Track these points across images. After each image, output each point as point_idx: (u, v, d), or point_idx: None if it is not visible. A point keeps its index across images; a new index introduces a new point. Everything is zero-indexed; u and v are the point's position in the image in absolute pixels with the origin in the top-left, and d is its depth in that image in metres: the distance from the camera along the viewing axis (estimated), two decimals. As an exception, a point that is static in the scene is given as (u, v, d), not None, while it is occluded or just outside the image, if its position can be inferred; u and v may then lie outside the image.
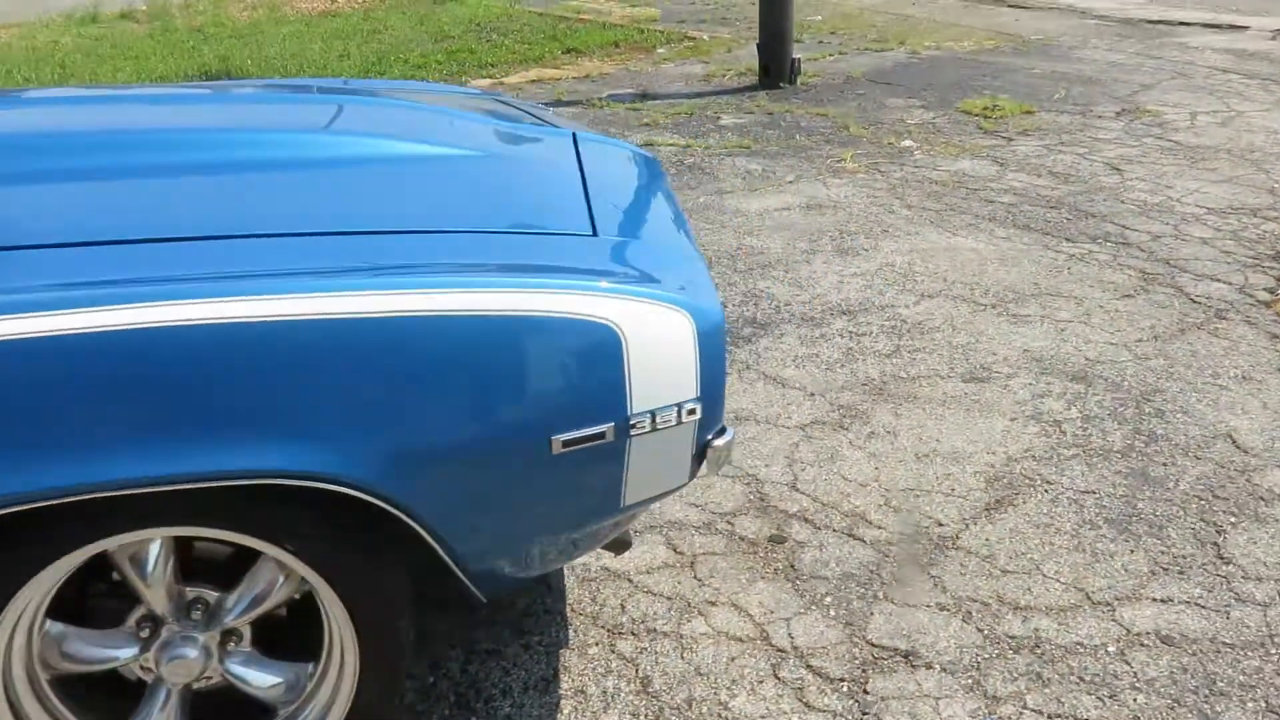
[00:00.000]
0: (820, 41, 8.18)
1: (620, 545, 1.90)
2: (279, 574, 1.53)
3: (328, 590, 1.51)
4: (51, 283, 1.31)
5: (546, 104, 6.44)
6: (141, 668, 1.55)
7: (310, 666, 1.62)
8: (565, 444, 1.46)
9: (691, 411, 1.53)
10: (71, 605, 1.53)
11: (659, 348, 1.49)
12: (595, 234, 1.66)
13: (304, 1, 10.58)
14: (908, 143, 5.38)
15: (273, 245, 1.47)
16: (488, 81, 7.14)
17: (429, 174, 1.80)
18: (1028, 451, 2.60)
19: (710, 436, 1.61)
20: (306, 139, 1.88)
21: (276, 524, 1.44)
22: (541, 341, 1.43)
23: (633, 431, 1.50)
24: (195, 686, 1.60)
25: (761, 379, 2.97)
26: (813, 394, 2.88)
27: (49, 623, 1.50)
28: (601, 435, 1.48)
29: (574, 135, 2.15)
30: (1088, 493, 2.44)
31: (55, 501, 1.27)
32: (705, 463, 1.62)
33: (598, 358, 1.45)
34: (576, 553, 1.74)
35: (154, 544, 1.47)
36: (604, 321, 1.45)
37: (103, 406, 1.27)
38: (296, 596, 1.59)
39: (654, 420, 1.50)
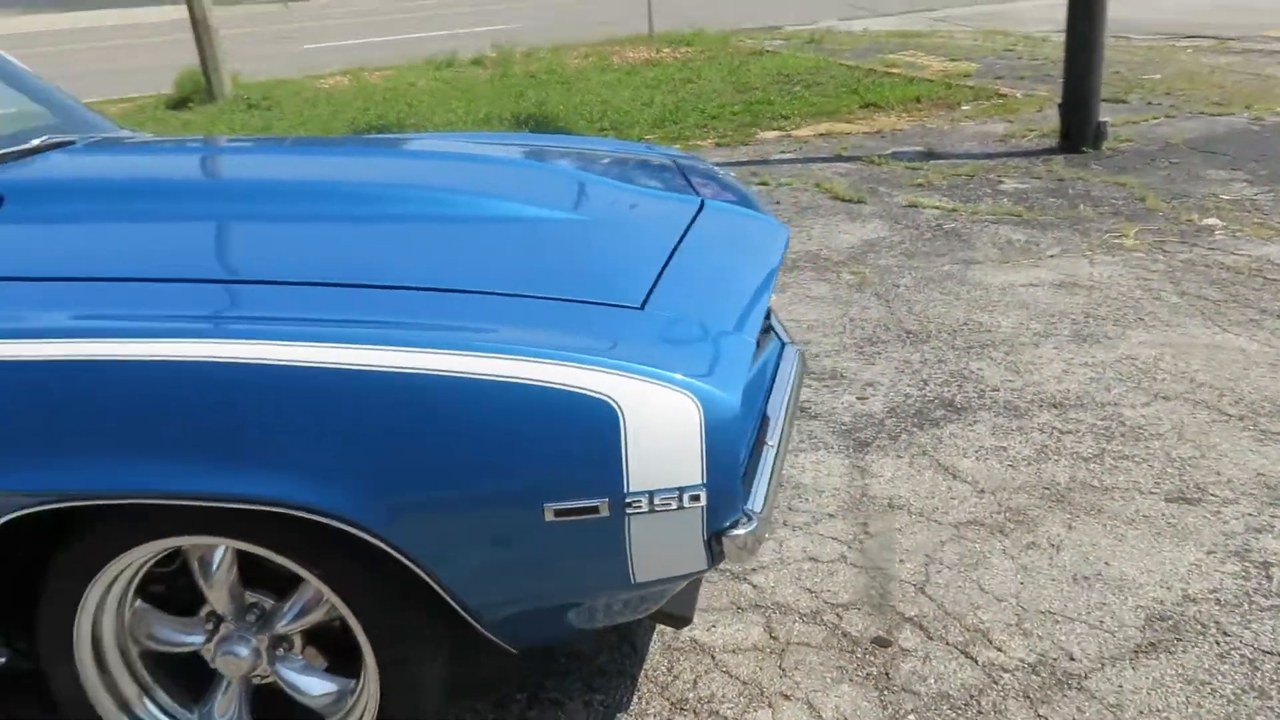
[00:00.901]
0: (1149, 102, 7.51)
1: (677, 620, 1.88)
2: (320, 594, 1.67)
3: (353, 619, 1.62)
4: (140, 313, 1.53)
5: (827, 158, 6.41)
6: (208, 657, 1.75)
7: (353, 683, 1.75)
8: (558, 513, 1.48)
9: (695, 498, 1.50)
10: (162, 593, 1.76)
11: (660, 429, 1.47)
12: (643, 308, 1.66)
13: (631, 51, 11.22)
14: (1211, 220, 4.82)
15: (295, 292, 1.61)
16: (776, 134, 7.22)
17: (506, 234, 1.89)
18: (1213, 593, 2.26)
19: (727, 525, 1.56)
20: (414, 194, 2.04)
21: (308, 550, 1.57)
22: (538, 411, 1.46)
23: (629, 510, 1.49)
24: (255, 682, 1.77)
25: (932, 468, 2.79)
26: (982, 491, 2.67)
27: (138, 601, 1.73)
28: (595, 509, 1.48)
29: (701, 203, 2.17)
30: (1271, 654, 2.07)
31: (133, 501, 1.48)
32: (725, 551, 1.57)
33: (594, 432, 1.46)
34: (607, 619, 1.74)
35: (220, 549, 1.65)
36: (602, 397, 1.46)
37: (172, 425, 1.46)
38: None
39: (652, 501, 1.49)
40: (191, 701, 1.80)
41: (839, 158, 6.43)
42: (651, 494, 1.49)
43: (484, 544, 1.52)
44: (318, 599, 1.67)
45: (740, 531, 1.57)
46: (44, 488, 1.49)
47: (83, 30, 20.90)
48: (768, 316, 2.28)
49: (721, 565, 1.61)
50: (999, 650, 2.11)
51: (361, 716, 1.74)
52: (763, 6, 15.58)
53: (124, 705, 1.74)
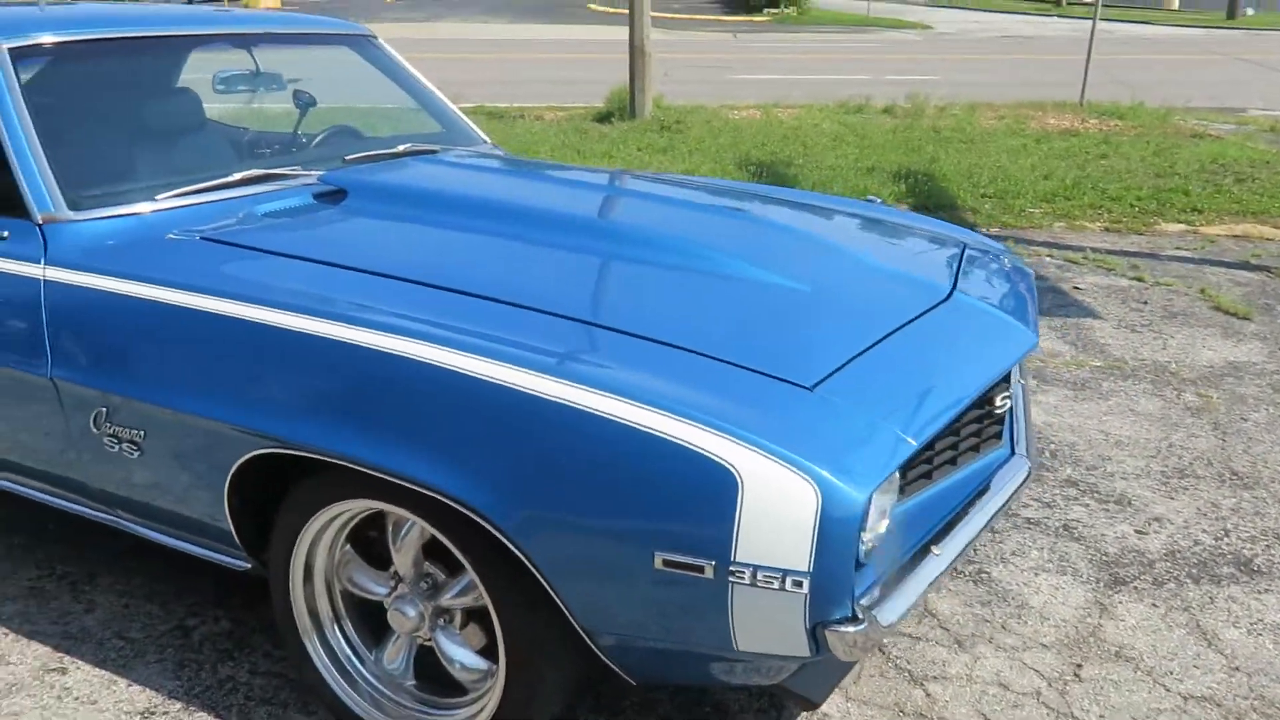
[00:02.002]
0: None
1: (802, 700, 1.88)
2: (475, 581, 1.86)
3: (493, 610, 1.81)
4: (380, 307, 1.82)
5: (1229, 264, 5.74)
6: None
7: (494, 668, 1.93)
8: (666, 562, 1.56)
9: (798, 584, 1.51)
10: (368, 548, 2.05)
11: (775, 508, 1.50)
12: (812, 388, 1.68)
13: (1053, 118, 10.65)
14: None
15: (530, 318, 1.82)
16: (1179, 228, 6.58)
17: (729, 292, 2.01)
18: None
19: (833, 619, 1.55)
20: (672, 243, 2.19)
21: (469, 540, 1.77)
22: (665, 464, 1.54)
23: (732, 578, 1.53)
24: (420, 642, 2.02)
25: (1188, 627, 2.48)
26: (1237, 669, 2.34)
27: (347, 547, 2.03)
28: (701, 569, 1.54)
29: (950, 294, 2.13)
30: None
31: (339, 462, 1.77)
32: (830, 645, 1.56)
33: (711, 496, 1.52)
34: (724, 678, 1.78)
35: (410, 522, 1.90)
36: (725, 464, 1.52)
37: (384, 408, 1.74)
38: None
39: (755, 576, 1.52)
40: (371, 642, 2.08)
41: (1244, 265, 5.74)
42: (755, 568, 1.52)
43: (599, 572, 1.63)
44: (473, 585, 1.87)
45: (847, 630, 1.56)
46: (279, 434, 1.82)
47: (545, 41, 23.47)
48: (1000, 422, 2.18)
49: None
50: None
51: (488, 703, 1.92)
52: (1237, 85, 14.11)
53: (318, 625, 2.05)
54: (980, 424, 2.11)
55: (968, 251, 2.58)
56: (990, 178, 7.71)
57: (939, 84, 14.58)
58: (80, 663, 2.32)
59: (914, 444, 1.66)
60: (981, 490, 2.06)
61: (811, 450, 1.54)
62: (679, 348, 1.76)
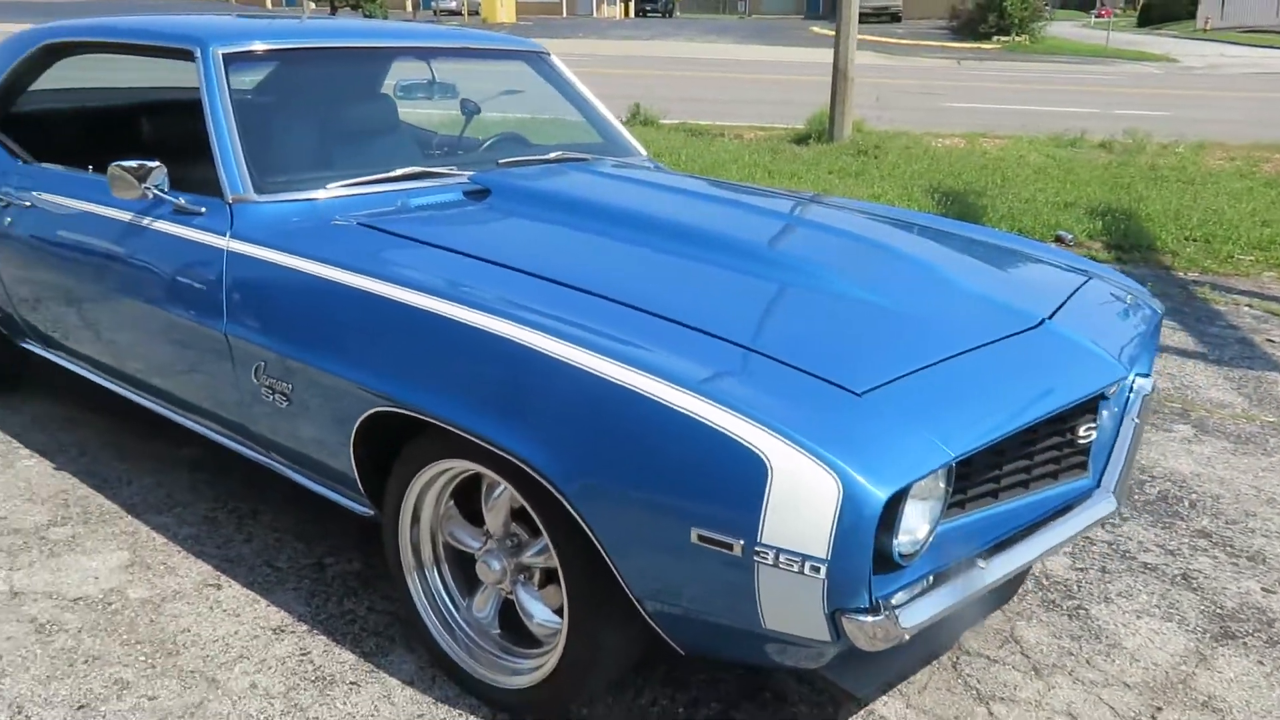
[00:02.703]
0: None
1: (849, 696, 1.96)
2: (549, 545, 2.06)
3: (560, 572, 1.99)
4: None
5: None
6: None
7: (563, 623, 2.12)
8: (701, 538, 1.70)
9: (815, 569, 1.62)
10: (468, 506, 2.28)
11: (800, 496, 1.62)
12: (861, 395, 1.78)
13: (1290, 159, 9.90)
14: None
15: (633, 316, 2.00)
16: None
17: (814, 304, 2.13)
18: None
19: (851, 607, 1.64)
20: (777, 257, 2.36)
21: (545, 506, 1.97)
22: (704, 446, 1.69)
23: (757, 558, 1.66)
24: (504, 595, 2.24)
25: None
26: (1339, 737, 2.23)
27: (450, 503, 2.28)
28: (730, 546, 1.68)
29: (1041, 322, 2.17)
30: None
31: (441, 424, 2.01)
32: (847, 632, 1.66)
33: (743, 480, 1.65)
34: (760, 657, 1.89)
35: (501, 485, 2.12)
36: (757, 452, 1.64)
37: (485, 381, 1.97)
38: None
39: (777, 558, 1.64)
40: (464, 591, 2.31)
41: None
42: (779, 550, 1.64)
43: (644, 542, 1.79)
44: (548, 548, 2.06)
45: (865, 620, 1.65)
46: (396, 396, 2.08)
47: (764, 62, 23.65)
48: (1084, 453, 2.18)
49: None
50: None
51: (553, 657, 2.10)
52: None
53: (420, 565, 2.31)
54: (1060, 451, 2.12)
55: (1087, 285, 2.57)
56: (1200, 220, 7.29)
57: (1172, 120, 13.80)
58: (233, 582, 2.68)
59: (950, 454, 1.72)
60: (1054, 518, 2.07)
61: (839, 447, 1.64)
62: (745, 348, 1.90)
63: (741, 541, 1.67)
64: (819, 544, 1.61)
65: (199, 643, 2.44)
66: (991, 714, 2.26)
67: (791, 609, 1.68)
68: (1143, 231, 6.96)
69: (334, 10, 39.94)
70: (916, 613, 1.72)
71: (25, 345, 3.49)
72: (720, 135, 11.14)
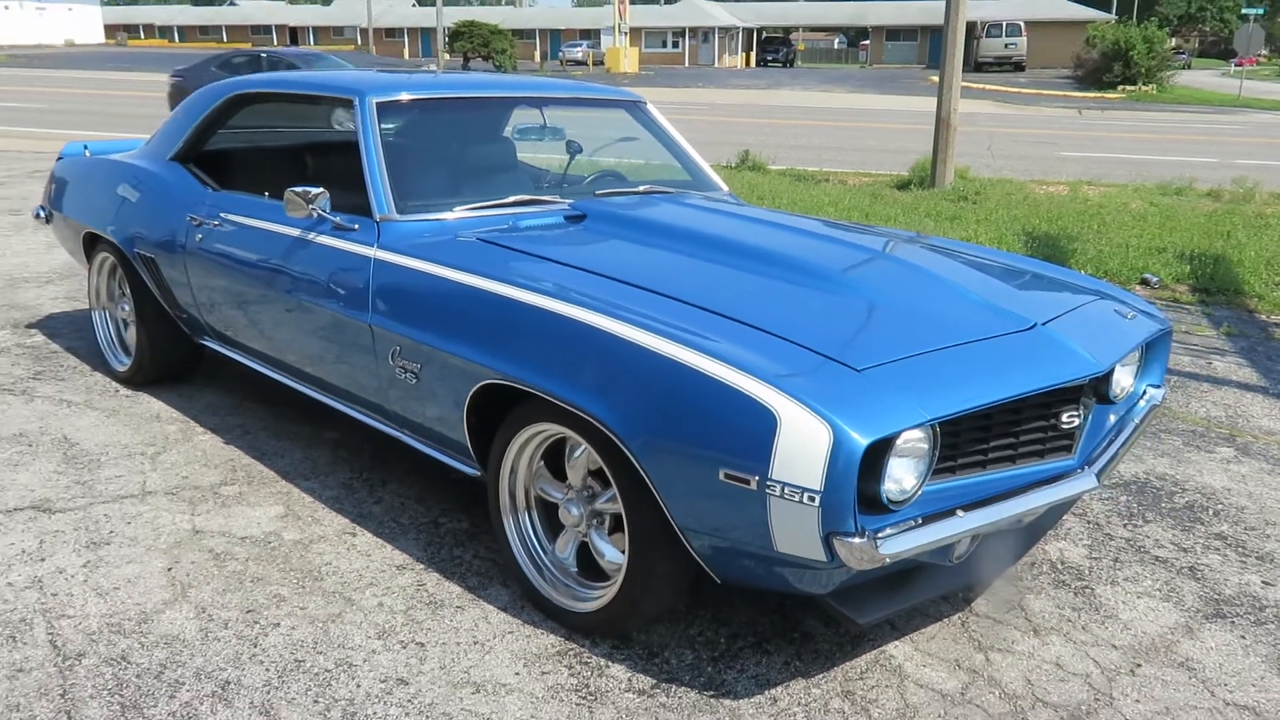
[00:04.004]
0: None
1: (846, 620, 2.40)
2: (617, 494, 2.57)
3: (625, 515, 2.50)
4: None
5: None
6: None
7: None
8: (726, 476, 2.19)
9: (812, 498, 2.08)
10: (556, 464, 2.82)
11: (800, 440, 2.09)
12: (860, 371, 2.25)
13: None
14: None
15: (691, 312, 2.51)
16: None
17: (837, 304, 2.62)
18: None
19: (840, 530, 2.10)
20: (812, 266, 2.85)
21: (615, 459, 2.48)
22: (730, 404, 2.18)
23: (768, 490, 2.13)
24: (580, 539, 2.75)
25: (1265, 659, 2.68)
26: (1300, 696, 2.54)
27: (540, 462, 2.81)
28: (747, 481, 2.16)
29: (1033, 326, 2.59)
30: None
31: (539, 393, 2.55)
32: (837, 552, 2.12)
33: (758, 429, 2.14)
34: (780, 582, 2.34)
35: (581, 445, 2.64)
36: (769, 407, 2.13)
37: (571, 357, 2.50)
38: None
39: (783, 490, 2.11)
40: (549, 535, 2.84)
41: None
42: (784, 484, 2.11)
43: (686, 484, 2.28)
44: (615, 496, 2.56)
45: (851, 540, 2.11)
46: (504, 371, 2.63)
47: (877, 111, 23.97)
48: (1069, 437, 2.59)
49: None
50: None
51: (616, 586, 2.60)
52: None
53: (515, 510, 2.84)
54: (1044, 433, 2.54)
55: (1094, 303, 2.97)
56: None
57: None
58: (365, 532, 3.27)
59: (926, 415, 2.17)
60: (1037, 487, 2.48)
61: (834, 405, 2.11)
62: (772, 334, 2.39)
63: (756, 477, 2.15)
64: (815, 479, 2.08)
65: (338, 573, 3.02)
66: (988, 660, 2.66)
67: (795, 533, 2.15)
68: (1230, 275, 7.12)
69: (467, 61, 41.98)
70: (896, 544, 2.16)
71: (203, 341, 4.21)
72: (824, 180, 11.59)
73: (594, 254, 3.04)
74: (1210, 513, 3.56)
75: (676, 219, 3.34)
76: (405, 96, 3.47)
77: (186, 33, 76.69)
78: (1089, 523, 3.46)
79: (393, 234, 3.13)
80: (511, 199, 3.38)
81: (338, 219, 3.24)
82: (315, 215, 3.21)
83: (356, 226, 3.20)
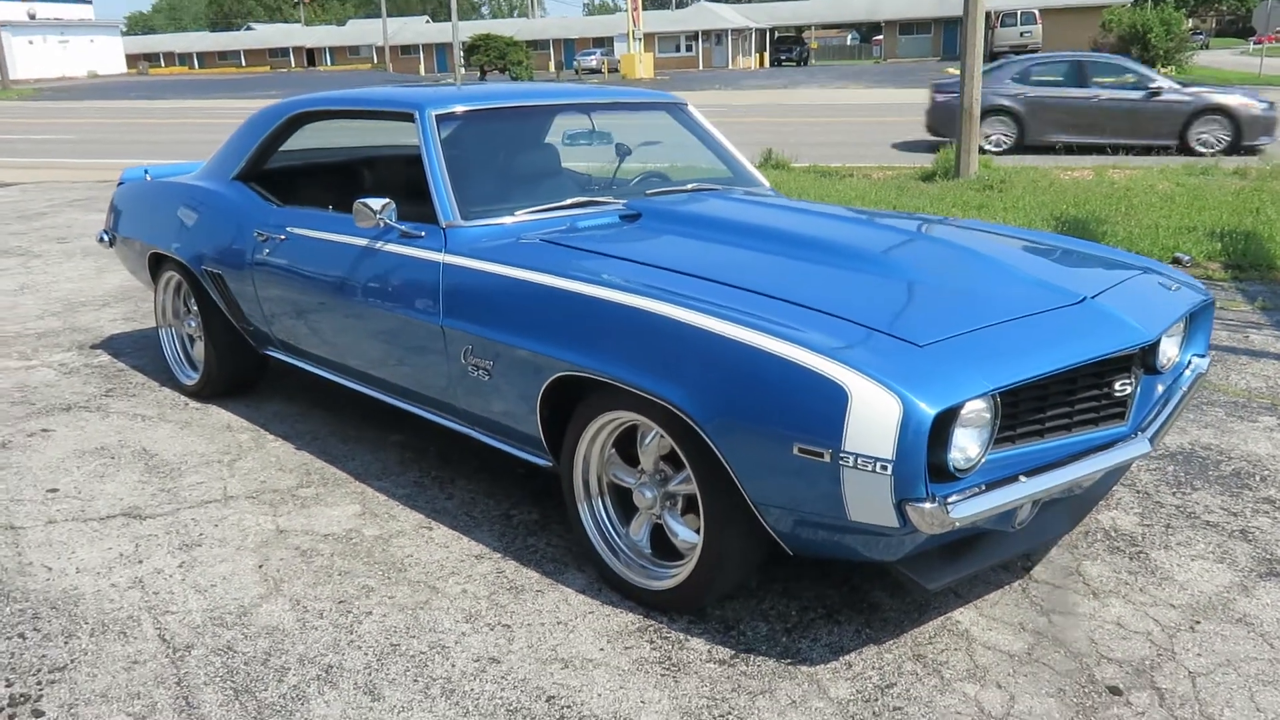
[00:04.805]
0: None
1: (916, 585, 2.52)
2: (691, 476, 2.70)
3: (700, 496, 2.63)
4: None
5: None
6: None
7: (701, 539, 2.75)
8: (800, 449, 2.32)
9: (884, 467, 2.21)
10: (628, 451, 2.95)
11: (871, 413, 2.21)
12: (922, 346, 2.37)
13: None
14: None
15: (747, 296, 2.65)
16: None
17: (894, 287, 2.74)
18: None
19: (910, 497, 2.22)
20: (855, 250, 2.98)
21: (688, 443, 2.61)
22: (802, 383, 2.31)
23: (842, 462, 2.26)
24: (653, 520, 2.88)
25: None
26: None
27: (612, 450, 2.95)
28: (821, 454, 2.28)
29: (1083, 300, 2.70)
30: None
31: (613, 382, 2.69)
32: (909, 517, 2.24)
33: (830, 404, 2.26)
34: (849, 550, 2.47)
35: (652, 431, 2.78)
36: (840, 383, 2.26)
37: (639, 345, 2.63)
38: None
39: (856, 461, 2.24)
40: (623, 519, 2.97)
41: None
42: (858, 455, 2.24)
43: (760, 460, 2.41)
44: (689, 478, 2.69)
45: (923, 506, 2.23)
46: (577, 363, 2.76)
47: (895, 105, 23.94)
48: (1122, 404, 2.70)
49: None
50: (1223, 745, 2.29)
51: (691, 563, 2.73)
52: None
53: (588, 497, 2.98)
54: (1098, 402, 2.65)
55: (1138, 276, 3.08)
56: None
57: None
58: (440, 526, 3.42)
59: (988, 385, 2.29)
60: (1093, 453, 2.59)
61: (902, 379, 2.23)
62: (836, 316, 2.52)
63: (830, 450, 2.27)
64: (887, 449, 2.20)
65: (420, 564, 3.17)
66: (1051, 623, 2.77)
67: (868, 502, 2.27)
68: (1263, 251, 7.16)
69: (483, 74, 42.32)
70: (965, 508, 2.28)
71: (268, 352, 4.38)
72: (849, 175, 11.69)
73: (654, 249, 3.18)
74: (1257, 478, 3.65)
75: (728, 213, 3.48)
76: (460, 108, 3.62)
77: (205, 59, 77.69)
78: (1138, 492, 3.55)
79: (459, 239, 3.28)
80: (569, 201, 3.53)
81: (404, 227, 3.39)
82: (383, 225, 3.36)
83: (423, 234, 3.35)
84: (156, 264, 4.80)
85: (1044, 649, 2.65)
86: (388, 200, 3.36)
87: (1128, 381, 2.67)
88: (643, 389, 2.60)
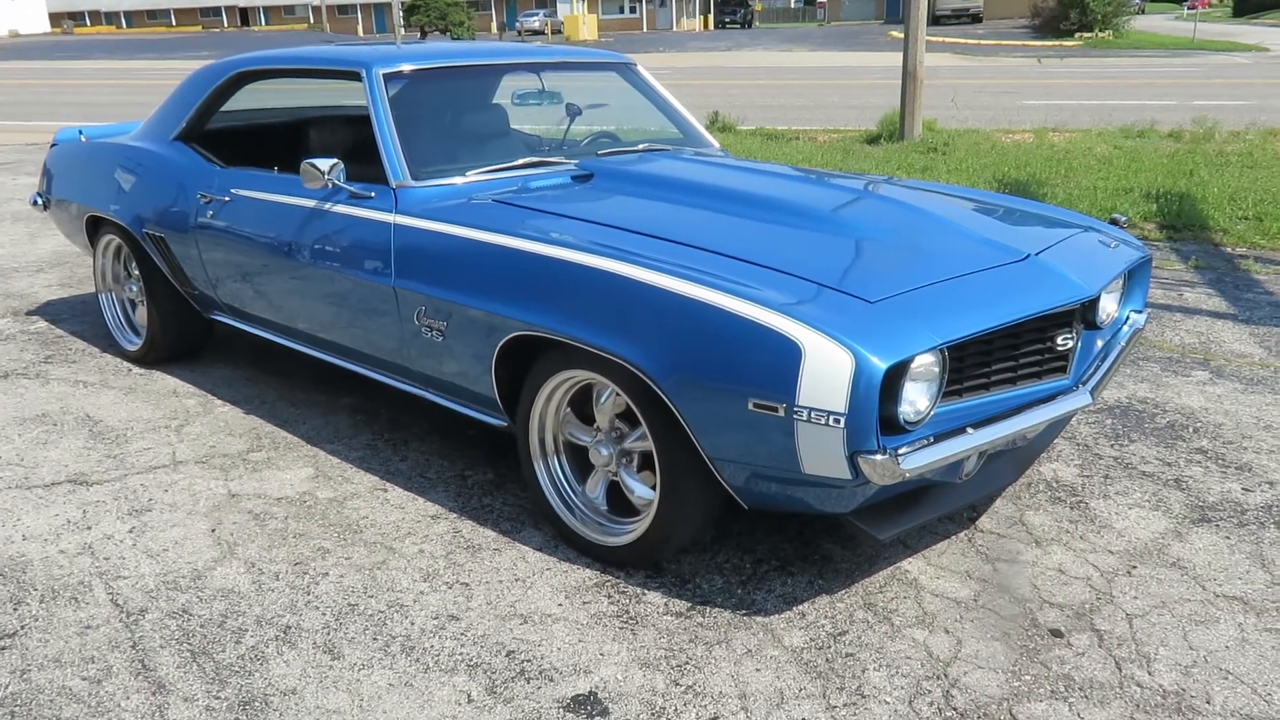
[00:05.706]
0: None
1: (868, 535, 2.58)
2: (646, 433, 2.73)
3: (656, 451, 2.66)
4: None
5: None
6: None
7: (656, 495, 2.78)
8: (755, 405, 2.35)
9: (837, 421, 2.25)
10: (584, 410, 2.97)
11: (824, 368, 2.25)
12: (873, 303, 2.42)
13: (1357, 143, 10.07)
14: None
15: (695, 253, 2.68)
16: None
17: (841, 245, 2.78)
18: None
19: (862, 449, 2.28)
20: (803, 208, 3.02)
21: (644, 399, 2.64)
22: (756, 339, 2.34)
23: (795, 416, 2.30)
24: (609, 478, 2.91)
25: (1249, 555, 2.90)
26: (1278, 584, 2.77)
27: (567, 409, 2.96)
28: (775, 409, 2.32)
29: (1026, 257, 2.76)
30: None
31: (569, 341, 2.70)
32: (861, 469, 2.29)
33: (784, 360, 2.30)
34: (804, 504, 2.52)
35: (607, 389, 2.80)
36: (794, 339, 2.29)
37: (591, 302, 2.64)
38: (661, 453, 2.76)
39: (810, 415, 2.28)
40: (579, 477, 3.00)
41: None
42: (811, 409, 2.28)
43: (716, 416, 2.44)
44: (645, 435, 2.72)
45: (875, 458, 2.28)
46: (531, 321, 2.76)
47: (840, 68, 24.11)
48: (1064, 359, 2.78)
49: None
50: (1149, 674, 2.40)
51: (648, 519, 2.77)
52: None
53: (544, 455, 3.00)
54: (1041, 356, 2.72)
55: (1081, 234, 3.16)
56: (1256, 201, 7.65)
57: (1254, 109, 13.94)
58: (395, 488, 3.42)
59: (937, 340, 2.34)
60: (1037, 405, 2.67)
61: (853, 334, 2.28)
62: (788, 273, 2.55)
63: (784, 404, 2.31)
64: (839, 402, 2.25)
65: (376, 525, 3.17)
66: (996, 571, 2.86)
67: (822, 455, 2.32)
68: (1195, 212, 7.36)
69: (424, 35, 41.58)
70: (915, 460, 2.34)
71: (215, 317, 4.31)
72: (795, 138, 11.73)
73: (606, 208, 3.18)
74: (1190, 430, 3.78)
75: (679, 172, 3.49)
76: (408, 67, 3.58)
77: (134, 17, 75.31)
78: (1078, 444, 3.67)
79: (410, 199, 3.26)
80: (520, 161, 3.51)
81: (354, 188, 3.35)
82: (331, 185, 3.32)
83: (373, 194, 3.32)
84: (94, 227, 4.69)
85: (989, 595, 2.74)
86: (336, 160, 3.31)
87: (1069, 336, 2.75)
88: (599, 347, 2.62)
